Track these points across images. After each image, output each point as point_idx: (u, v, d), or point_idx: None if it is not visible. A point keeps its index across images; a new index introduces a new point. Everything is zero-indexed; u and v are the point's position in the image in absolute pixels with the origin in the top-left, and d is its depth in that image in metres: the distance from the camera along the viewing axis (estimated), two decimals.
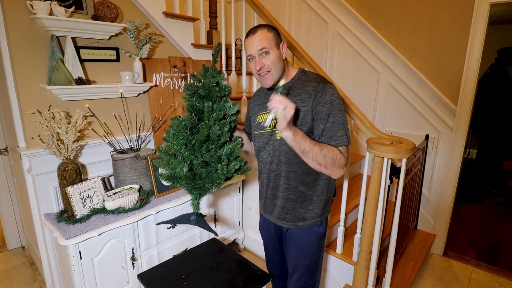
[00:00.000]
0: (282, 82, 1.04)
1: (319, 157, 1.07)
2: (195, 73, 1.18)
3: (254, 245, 2.45)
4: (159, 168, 1.15)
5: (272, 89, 1.24)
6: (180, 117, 1.14)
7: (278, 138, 1.20)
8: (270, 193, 1.30)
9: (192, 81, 1.16)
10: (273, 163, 1.24)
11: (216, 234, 1.31)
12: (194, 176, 1.12)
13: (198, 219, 1.21)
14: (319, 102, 1.12)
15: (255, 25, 2.27)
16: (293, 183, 1.23)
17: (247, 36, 1.18)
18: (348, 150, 1.18)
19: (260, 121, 1.27)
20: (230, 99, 1.19)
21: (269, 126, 1.22)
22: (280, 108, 0.97)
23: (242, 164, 1.18)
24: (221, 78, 1.15)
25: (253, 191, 2.36)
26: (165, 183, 1.81)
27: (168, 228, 1.82)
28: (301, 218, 1.26)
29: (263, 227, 1.47)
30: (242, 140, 1.22)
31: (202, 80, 1.15)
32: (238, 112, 1.19)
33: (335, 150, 1.11)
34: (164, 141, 1.14)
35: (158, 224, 1.25)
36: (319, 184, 1.24)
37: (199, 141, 1.09)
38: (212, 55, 1.16)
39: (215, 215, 2.19)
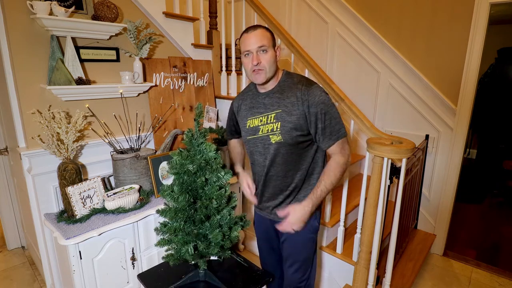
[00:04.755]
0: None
1: (330, 187, 1.20)
2: (180, 148, 1.10)
3: (254, 245, 2.45)
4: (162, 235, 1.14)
5: (262, 86, 1.26)
6: (174, 193, 1.07)
7: (273, 142, 1.21)
8: (266, 191, 1.32)
9: (177, 159, 1.08)
10: (269, 165, 1.26)
11: None
12: (200, 255, 1.14)
13: (207, 274, 1.26)
14: (312, 105, 1.15)
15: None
16: (289, 180, 1.26)
17: (246, 31, 1.19)
18: (347, 139, 1.24)
19: (251, 126, 1.28)
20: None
21: (262, 131, 1.24)
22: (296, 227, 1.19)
23: (243, 223, 1.19)
24: (209, 148, 1.08)
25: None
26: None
27: None
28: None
29: (257, 224, 1.49)
30: (236, 198, 1.21)
31: (190, 153, 1.08)
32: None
33: (330, 167, 1.19)
34: (160, 214, 1.11)
35: None
36: (314, 178, 1.28)
37: (198, 219, 1.09)
38: (194, 119, 1.12)
39: None
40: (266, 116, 1.23)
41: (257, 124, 1.26)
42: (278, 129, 1.19)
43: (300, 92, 1.17)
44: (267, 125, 1.22)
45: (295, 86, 1.19)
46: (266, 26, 1.24)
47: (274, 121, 1.20)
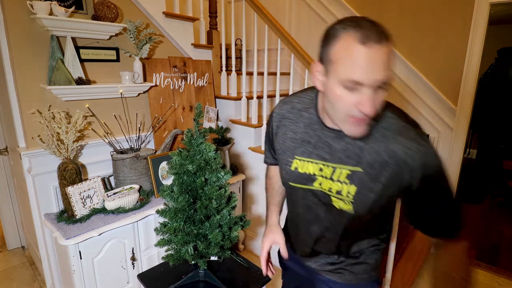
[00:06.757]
0: None
1: None
2: (180, 148, 1.10)
3: (254, 245, 2.45)
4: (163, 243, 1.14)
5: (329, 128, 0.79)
6: (173, 193, 1.07)
7: (338, 208, 0.81)
8: (312, 245, 0.95)
9: (177, 159, 1.08)
10: (322, 231, 0.89)
11: None
12: (200, 255, 1.14)
13: (207, 274, 1.25)
14: (426, 178, 0.70)
15: (257, 25, 2.29)
16: (347, 242, 0.91)
17: (362, 42, 0.61)
18: None
19: (299, 170, 0.85)
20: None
21: (320, 184, 0.82)
22: None
23: (243, 223, 1.16)
24: (209, 148, 1.07)
25: (253, 190, 2.36)
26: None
27: None
28: (350, 271, 0.94)
29: (290, 264, 1.12)
30: (236, 198, 1.15)
31: (189, 153, 1.08)
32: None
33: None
34: (160, 215, 1.11)
35: None
36: (376, 232, 0.94)
37: (198, 219, 1.09)
38: (194, 119, 1.08)
39: None
40: (332, 168, 0.78)
41: (312, 172, 0.82)
42: (351, 197, 0.76)
43: (401, 148, 0.70)
44: (332, 183, 0.79)
45: (392, 135, 0.72)
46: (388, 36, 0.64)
47: (347, 181, 0.76)
